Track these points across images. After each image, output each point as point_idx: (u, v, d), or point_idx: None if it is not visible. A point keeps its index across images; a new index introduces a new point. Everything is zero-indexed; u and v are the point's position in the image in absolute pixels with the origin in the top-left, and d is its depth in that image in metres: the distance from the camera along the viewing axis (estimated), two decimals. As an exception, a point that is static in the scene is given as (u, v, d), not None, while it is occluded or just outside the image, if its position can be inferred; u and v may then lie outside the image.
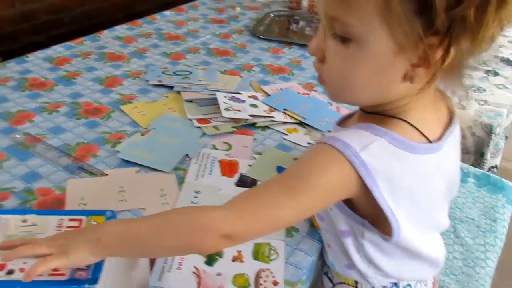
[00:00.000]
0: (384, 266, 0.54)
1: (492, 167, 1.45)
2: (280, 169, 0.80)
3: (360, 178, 0.45)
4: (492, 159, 1.43)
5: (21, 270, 0.51)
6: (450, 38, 0.40)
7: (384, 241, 0.51)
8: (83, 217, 0.58)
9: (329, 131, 0.70)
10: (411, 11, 0.40)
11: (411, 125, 0.48)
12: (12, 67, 1.06)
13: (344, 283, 0.61)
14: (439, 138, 0.50)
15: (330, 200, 0.48)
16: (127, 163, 0.77)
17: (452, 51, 0.42)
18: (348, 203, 0.51)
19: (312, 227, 0.68)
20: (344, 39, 0.45)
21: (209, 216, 0.47)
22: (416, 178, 0.49)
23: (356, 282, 0.59)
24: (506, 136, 1.52)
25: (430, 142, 0.49)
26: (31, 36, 2.14)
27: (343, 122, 0.59)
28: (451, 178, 0.55)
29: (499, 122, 1.25)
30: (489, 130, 1.19)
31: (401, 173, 0.47)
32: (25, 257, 0.48)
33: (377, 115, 0.50)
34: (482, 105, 1.21)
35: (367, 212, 0.51)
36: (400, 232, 0.49)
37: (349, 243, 0.54)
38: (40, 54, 1.14)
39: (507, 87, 1.32)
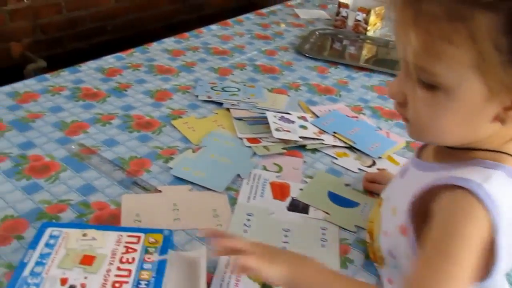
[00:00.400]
0: None
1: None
2: (331, 195, 0.79)
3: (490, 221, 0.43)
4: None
5: (82, 285, 0.52)
6: None
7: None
8: (141, 234, 0.58)
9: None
10: (507, 61, 0.39)
11: None
12: (65, 76, 1.08)
13: None
14: None
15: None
16: (180, 180, 0.77)
17: None
18: None
19: (367, 259, 0.66)
20: (431, 86, 0.44)
21: None
22: None
23: None
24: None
25: None
26: (75, 43, 2.20)
27: (421, 153, 0.58)
28: None
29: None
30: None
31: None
32: (234, 249, 0.52)
33: (469, 150, 0.49)
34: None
35: None
36: (495, 274, 0.46)
37: None
38: (92, 64, 1.16)
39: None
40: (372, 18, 1.60)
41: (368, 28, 1.61)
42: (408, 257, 0.54)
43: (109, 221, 0.67)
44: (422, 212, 0.48)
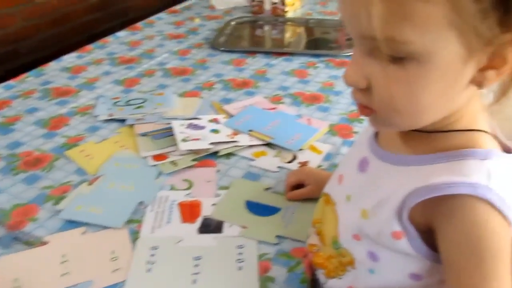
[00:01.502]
0: None
1: None
2: (250, 205, 0.71)
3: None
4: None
5: None
6: None
7: None
8: None
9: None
10: (484, 9, 0.33)
11: (492, 135, 0.43)
12: None
13: None
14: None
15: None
16: (73, 223, 0.67)
17: None
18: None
19: (290, 271, 0.58)
20: (400, 59, 0.37)
21: None
22: None
23: None
24: None
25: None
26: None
27: (380, 141, 0.49)
28: None
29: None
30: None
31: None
32: None
33: (441, 133, 0.42)
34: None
35: None
36: None
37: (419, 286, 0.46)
38: (-24, 100, 1.03)
39: None
40: (290, -2, 1.53)
41: (287, 9, 1.53)
42: (400, 257, 0.47)
43: (-18, 293, 0.56)
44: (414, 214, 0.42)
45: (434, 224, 0.42)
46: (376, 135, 0.50)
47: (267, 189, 0.74)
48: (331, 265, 0.53)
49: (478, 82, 0.38)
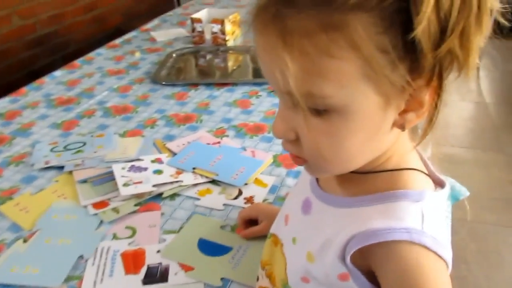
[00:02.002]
0: None
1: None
2: (202, 244, 0.70)
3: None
4: (424, 154, 1.41)
5: None
6: (439, 75, 0.37)
7: None
8: None
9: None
10: (394, 59, 0.35)
11: (421, 171, 0.44)
12: None
13: None
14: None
15: None
16: (7, 287, 0.63)
17: (443, 87, 0.38)
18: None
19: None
20: (323, 112, 0.38)
21: None
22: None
23: None
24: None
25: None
26: None
27: (321, 182, 0.50)
28: None
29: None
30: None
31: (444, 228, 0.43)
32: None
33: (374, 173, 0.44)
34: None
35: None
36: None
37: None
38: None
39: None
40: (229, 27, 1.54)
41: (227, 38, 1.55)
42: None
43: None
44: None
45: (373, 268, 0.42)
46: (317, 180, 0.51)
47: (222, 226, 0.73)
48: None
49: (400, 125, 0.40)
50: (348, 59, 0.35)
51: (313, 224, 0.48)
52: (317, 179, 0.50)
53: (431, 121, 0.40)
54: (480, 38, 0.36)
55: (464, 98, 2.84)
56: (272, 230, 0.56)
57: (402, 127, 0.40)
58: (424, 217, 0.41)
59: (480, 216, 1.81)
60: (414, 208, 0.41)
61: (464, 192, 0.81)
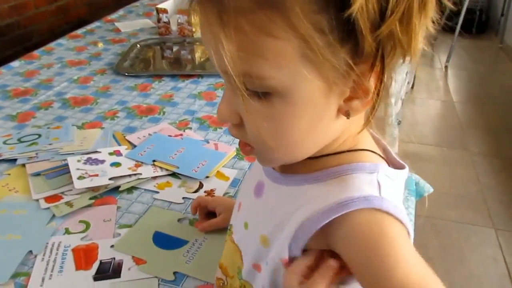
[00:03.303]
0: None
1: (393, 158, 1.44)
2: (157, 237, 0.68)
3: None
4: (391, 149, 1.43)
5: None
6: (381, 60, 0.36)
7: None
8: None
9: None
10: (333, 41, 0.34)
11: (375, 153, 0.43)
12: None
13: None
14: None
15: None
16: None
17: (386, 73, 0.36)
18: None
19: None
20: (263, 94, 0.36)
21: None
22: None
23: None
24: (399, 121, 1.53)
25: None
26: None
27: (288, 168, 0.48)
28: None
29: (389, 113, 1.22)
30: (382, 125, 1.17)
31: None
32: None
33: (328, 156, 0.42)
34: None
35: None
36: None
37: None
38: None
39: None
40: (195, 19, 1.51)
41: (194, 29, 1.52)
42: None
43: None
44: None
45: (333, 246, 0.41)
46: None
47: (180, 219, 0.72)
48: None
49: (345, 112, 0.39)
50: (285, 39, 0.33)
51: (265, 206, 0.46)
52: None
53: (373, 108, 0.39)
54: (425, 22, 0.35)
55: (431, 96, 2.90)
56: (231, 221, 0.55)
57: (347, 115, 0.39)
58: (381, 185, 0.40)
59: (444, 213, 1.84)
60: (370, 178, 0.40)
61: (428, 188, 0.82)
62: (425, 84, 3.04)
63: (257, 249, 0.46)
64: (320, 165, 0.43)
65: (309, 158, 0.43)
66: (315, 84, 0.36)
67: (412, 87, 2.81)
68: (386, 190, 0.40)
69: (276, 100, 0.36)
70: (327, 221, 0.39)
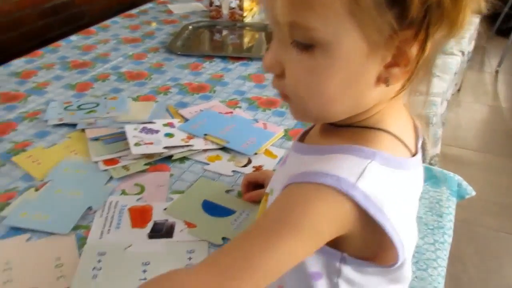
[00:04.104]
0: None
1: (434, 156, 1.42)
2: (206, 205, 0.70)
3: (361, 211, 0.38)
4: (433, 149, 1.40)
5: None
6: (426, 29, 0.36)
7: (370, 270, 0.44)
8: None
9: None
10: (382, 2, 0.35)
11: (395, 136, 0.43)
12: None
13: None
14: (416, 150, 0.45)
15: (321, 242, 0.41)
16: (17, 230, 0.64)
17: (429, 43, 0.37)
18: None
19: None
20: (307, 46, 0.38)
21: (183, 285, 0.38)
22: (406, 196, 0.44)
23: None
24: (443, 123, 1.50)
25: (413, 155, 0.44)
26: None
27: (305, 137, 0.51)
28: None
29: (434, 112, 1.21)
30: (426, 121, 1.16)
31: (396, 195, 0.41)
32: None
33: (351, 128, 0.43)
34: (417, 96, 1.18)
35: (357, 245, 0.43)
36: (403, 258, 0.42)
37: (321, 285, 0.46)
38: None
39: (438, 75, 1.29)
40: (247, 4, 1.53)
41: (245, 14, 1.54)
42: None
43: None
44: None
45: None
46: (305, 134, 0.52)
47: (228, 191, 0.74)
48: None
49: (384, 79, 0.40)
50: None
51: (284, 173, 0.48)
52: (302, 138, 0.51)
53: (409, 78, 0.39)
54: None
55: (478, 100, 2.81)
56: (266, 190, 0.57)
57: (386, 82, 0.40)
58: (364, 174, 0.39)
59: (483, 220, 1.79)
60: (358, 163, 0.40)
61: (470, 191, 0.81)
62: (472, 88, 2.94)
63: None
64: (336, 138, 0.44)
65: (334, 125, 0.44)
66: (358, 43, 0.37)
67: (459, 89, 2.73)
68: (367, 180, 0.39)
69: (318, 53, 0.38)
70: (290, 182, 0.41)
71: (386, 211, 0.39)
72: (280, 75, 0.42)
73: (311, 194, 0.39)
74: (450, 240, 0.87)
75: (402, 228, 0.41)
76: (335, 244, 0.42)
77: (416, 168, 0.44)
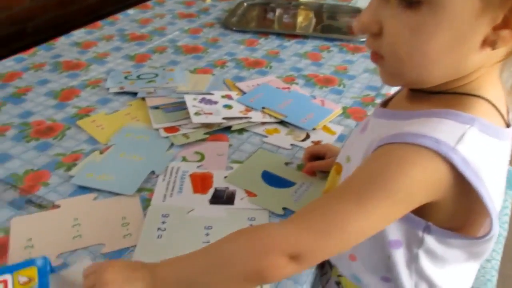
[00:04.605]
0: (434, 277, 0.46)
1: None
2: (266, 175, 0.70)
3: (458, 176, 0.37)
4: None
5: None
6: None
7: (455, 243, 0.43)
8: (7, 277, 0.47)
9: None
10: None
11: (492, 104, 0.41)
12: (-46, 88, 0.94)
13: None
14: (509, 122, 0.43)
15: (412, 207, 0.40)
16: (84, 189, 0.66)
17: None
18: None
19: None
20: (413, 2, 0.37)
21: (270, 235, 0.39)
22: (499, 167, 0.42)
23: None
24: None
25: (508, 125, 0.42)
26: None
27: (388, 104, 0.50)
28: None
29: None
30: None
31: (492, 164, 0.40)
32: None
33: (443, 94, 0.42)
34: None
35: (445, 214, 0.42)
36: (497, 228, 0.41)
37: (399, 255, 0.45)
38: (-13, 70, 1.02)
39: None
40: (301, -19, 1.51)
41: (299, -8, 1.51)
42: None
43: (-7, 253, 0.56)
44: None
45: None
46: (386, 102, 0.50)
47: (287, 163, 0.74)
48: None
49: (491, 41, 0.37)
50: None
51: (365, 140, 0.47)
52: (383, 105, 0.49)
53: None
54: None
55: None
56: (337, 159, 0.56)
57: (493, 45, 0.37)
58: (464, 139, 0.38)
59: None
60: (457, 128, 0.39)
61: None
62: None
63: None
64: (428, 104, 0.42)
65: (426, 92, 0.42)
66: (470, 1, 0.35)
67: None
68: (467, 145, 0.38)
69: (425, 9, 0.36)
70: (387, 142, 0.39)
71: (483, 178, 0.37)
72: (377, 34, 0.41)
73: (408, 156, 0.38)
74: (505, 234, 0.84)
75: (495, 198, 0.39)
76: (421, 212, 0.41)
77: (509, 139, 0.42)
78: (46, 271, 0.47)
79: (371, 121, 0.49)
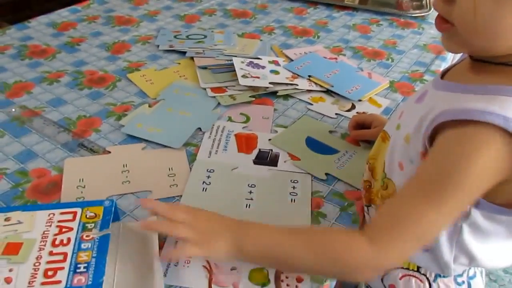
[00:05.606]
0: (475, 252, 0.47)
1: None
2: (310, 141, 0.71)
3: None
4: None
5: (7, 280, 0.45)
6: None
7: (502, 219, 0.43)
8: (77, 210, 0.50)
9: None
10: None
11: None
12: (12, 34, 0.98)
13: (401, 268, 0.53)
14: None
15: (484, 190, 0.40)
16: (133, 138, 0.69)
17: None
18: None
19: (344, 211, 0.59)
20: None
21: (359, 257, 0.42)
22: None
23: (418, 267, 0.52)
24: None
25: None
26: (45, 4, 2.05)
27: (447, 75, 0.49)
28: None
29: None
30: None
31: None
32: (163, 234, 0.50)
33: (510, 66, 0.41)
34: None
35: (504, 191, 0.41)
36: None
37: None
38: (43, 19, 1.05)
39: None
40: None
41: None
42: None
43: (49, 190, 0.59)
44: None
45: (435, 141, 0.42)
46: (444, 73, 0.49)
47: (331, 131, 0.74)
48: (379, 200, 0.53)
49: None
50: None
51: (420, 109, 0.46)
52: (441, 76, 0.48)
53: None
54: None
55: None
56: (385, 128, 0.55)
57: None
58: None
59: None
60: None
61: None
62: None
63: (401, 146, 0.48)
64: (491, 78, 0.41)
65: (489, 62, 0.41)
66: None
67: None
68: None
69: None
70: (453, 119, 0.39)
71: None
72: (448, 1, 0.39)
73: (476, 140, 0.37)
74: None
75: None
76: None
77: None
78: (111, 211, 0.49)
79: (430, 92, 0.48)
